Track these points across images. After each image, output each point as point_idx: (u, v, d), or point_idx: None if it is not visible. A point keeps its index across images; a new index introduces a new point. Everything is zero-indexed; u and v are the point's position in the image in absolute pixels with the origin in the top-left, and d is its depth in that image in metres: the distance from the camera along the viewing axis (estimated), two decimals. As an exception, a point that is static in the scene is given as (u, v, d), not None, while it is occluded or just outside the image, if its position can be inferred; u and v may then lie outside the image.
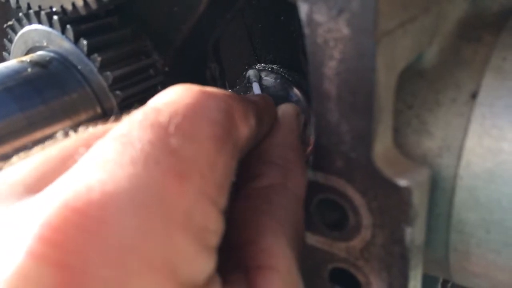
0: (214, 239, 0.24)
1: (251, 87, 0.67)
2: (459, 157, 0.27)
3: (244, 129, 0.28)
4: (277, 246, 0.28)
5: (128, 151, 0.23)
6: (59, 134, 0.26)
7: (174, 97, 0.26)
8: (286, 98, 0.67)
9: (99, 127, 0.27)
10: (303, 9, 0.24)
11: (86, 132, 0.27)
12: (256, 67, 0.70)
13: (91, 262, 0.20)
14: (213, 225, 0.24)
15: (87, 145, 0.24)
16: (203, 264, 0.23)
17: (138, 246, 0.21)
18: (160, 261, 0.21)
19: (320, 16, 0.24)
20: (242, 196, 0.31)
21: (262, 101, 0.34)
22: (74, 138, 0.26)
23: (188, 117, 0.25)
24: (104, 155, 0.23)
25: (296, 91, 0.68)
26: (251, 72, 0.67)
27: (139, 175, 0.22)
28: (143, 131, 0.24)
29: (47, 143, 0.26)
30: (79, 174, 0.22)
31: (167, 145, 0.23)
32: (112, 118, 0.26)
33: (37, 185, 0.23)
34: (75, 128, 0.26)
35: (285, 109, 0.37)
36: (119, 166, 0.22)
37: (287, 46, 0.67)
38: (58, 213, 0.20)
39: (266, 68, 0.69)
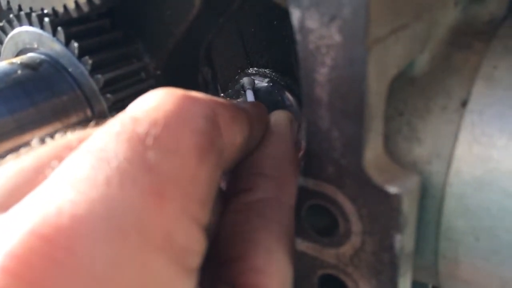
0: (195, 260, 0.23)
1: (243, 91, 0.67)
2: (449, 164, 0.27)
3: (230, 137, 0.27)
4: (272, 265, 0.27)
5: (103, 168, 0.21)
6: (35, 142, 0.25)
7: (154, 103, 0.25)
8: (279, 103, 0.67)
9: (75, 135, 0.25)
10: (295, 15, 0.24)
11: (62, 140, 0.25)
12: (249, 71, 0.70)
13: None
14: (195, 245, 0.23)
15: (60, 157, 0.23)
16: (184, 286, 0.22)
17: (110, 276, 0.19)
18: None
19: (312, 23, 0.24)
20: (232, 210, 0.30)
21: (253, 108, 0.32)
22: (49, 147, 0.25)
23: (168, 127, 0.23)
24: (77, 172, 0.21)
25: (288, 95, 0.68)
26: (245, 80, 0.67)
27: (115, 196, 0.20)
28: (120, 145, 0.22)
29: (22, 150, 0.24)
30: (49, 193, 0.20)
31: (144, 161, 0.22)
32: (92, 124, 0.25)
33: (8, 200, 0.22)
34: (53, 134, 0.25)
35: (277, 117, 0.35)
36: (93, 185, 0.20)
37: (280, 51, 0.67)
38: (23, 241, 0.19)
39: (259, 73, 0.69)
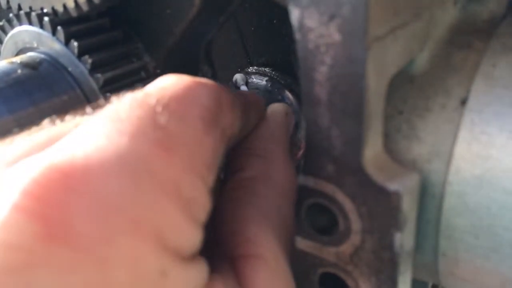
0: (201, 213, 0.24)
1: (238, 88, 0.67)
2: (448, 163, 0.27)
3: (231, 118, 0.29)
4: (262, 236, 0.28)
5: (116, 125, 0.23)
6: (46, 122, 0.26)
7: (164, 83, 0.27)
8: (279, 102, 0.67)
9: (86, 117, 0.27)
10: (295, 14, 0.24)
11: (73, 120, 0.27)
12: (249, 70, 0.70)
13: (74, 217, 0.20)
14: (201, 198, 0.24)
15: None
16: (190, 235, 0.23)
17: (124, 207, 0.21)
18: (147, 224, 0.21)
19: (311, 22, 0.24)
20: (227, 188, 0.32)
21: (251, 96, 0.35)
22: (61, 125, 0.26)
23: (177, 99, 0.25)
24: (90, 129, 0.23)
25: (288, 94, 0.68)
26: (238, 76, 0.67)
27: (126, 145, 0.22)
28: (131, 109, 0.24)
29: (33, 129, 0.26)
30: (65, 144, 0.22)
31: (154, 121, 0.24)
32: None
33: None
34: (62, 117, 0.26)
35: (274, 107, 0.38)
36: (105, 137, 0.22)
37: (280, 50, 0.67)
38: (44, 172, 0.20)
39: (259, 71, 0.69)
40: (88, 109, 0.27)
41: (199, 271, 0.24)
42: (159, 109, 0.24)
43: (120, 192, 0.21)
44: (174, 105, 0.25)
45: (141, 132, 0.23)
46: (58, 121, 0.27)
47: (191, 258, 0.24)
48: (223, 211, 0.31)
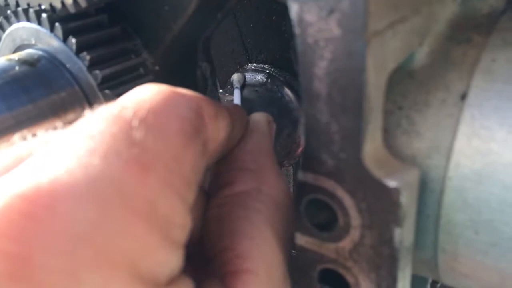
0: (180, 234, 0.23)
1: (232, 88, 0.67)
2: (448, 158, 0.27)
3: (214, 131, 0.28)
4: (254, 250, 0.28)
5: (87, 143, 0.22)
6: (16, 138, 0.25)
7: (142, 95, 0.25)
8: (278, 98, 0.67)
9: (60, 132, 0.26)
10: (294, 9, 0.24)
11: (44, 136, 0.26)
12: (248, 66, 0.70)
13: (38, 251, 0.19)
14: (178, 218, 0.23)
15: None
16: (167, 259, 0.22)
17: (90, 235, 0.20)
18: (117, 252, 0.20)
19: (310, 16, 0.24)
20: (215, 205, 0.31)
21: (234, 107, 0.34)
22: (30, 142, 0.25)
23: (154, 112, 0.24)
24: (60, 148, 0.22)
25: (287, 91, 0.68)
26: (234, 77, 0.66)
27: (97, 166, 0.21)
28: (105, 124, 0.23)
29: (2, 145, 0.25)
30: (31, 165, 0.21)
31: (130, 137, 0.23)
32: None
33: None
34: (36, 132, 0.25)
35: (256, 117, 0.37)
36: (75, 157, 0.21)
37: (279, 46, 0.67)
38: (6, 202, 0.19)
39: (258, 68, 0.69)
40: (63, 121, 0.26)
41: None
42: (135, 123, 0.23)
43: (87, 220, 0.20)
44: (152, 118, 0.24)
45: (114, 150, 0.22)
46: (29, 137, 0.26)
47: (170, 282, 0.23)
48: (211, 228, 0.30)
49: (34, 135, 0.26)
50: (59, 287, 0.19)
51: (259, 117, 0.37)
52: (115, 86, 0.48)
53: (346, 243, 0.28)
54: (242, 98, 0.65)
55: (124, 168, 0.21)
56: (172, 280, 0.23)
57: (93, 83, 0.47)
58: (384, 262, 0.28)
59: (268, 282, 0.27)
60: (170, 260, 0.23)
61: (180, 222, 0.23)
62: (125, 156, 0.22)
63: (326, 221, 0.29)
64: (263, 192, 0.30)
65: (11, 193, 0.20)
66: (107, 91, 0.47)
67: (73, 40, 0.46)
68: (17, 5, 0.50)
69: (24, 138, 0.25)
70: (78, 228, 0.20)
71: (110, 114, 0.23)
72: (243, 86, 0.67)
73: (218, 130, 0.28)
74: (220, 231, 0.29)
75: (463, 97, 0.27)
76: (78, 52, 0.47)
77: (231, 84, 0.67)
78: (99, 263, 0.20)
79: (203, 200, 0.32)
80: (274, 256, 0.28)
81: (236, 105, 0.36)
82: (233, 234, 0.28)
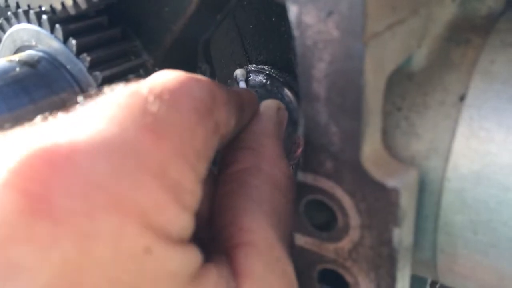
0: (190, 199, 0.25)
1: (237, 83, 0.67)
2: (446, 159, 0.27)
3: (226, 115, 0.29)
4: (255, 224, 0.29)
5: (105, 112, 0.24)
6: (38, 119, 0.26)
7: (157, 77, 0.27)
8: (277, 99, 0.67)
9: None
10: (293, 11, 0.24)
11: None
12: (247, 67, 0.70)
13: (56, 192, 0.20)
14: (189, 184, 0.24)
15: None
16: (176, 217, 0.24)
17: (107, 184, 0.21)
18: (129, 202, 0.22)
19: (309, 18, 0.24)
20: (220, 183, 0.32)
21: (245, 93, 0.35)
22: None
23: (169, 90, 0.26)
24: (78, 116, 0.24)
25: (287, 91, 0.68)
26: (238, 72, 0.67)
27: (113, 129, 0.23)
28: (122, 97, 0.24)
29: (26, 125, 0.26)
30: (54, 128, 0.23)
31: (144, 108, 0.24)
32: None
33: None
34: (54, 114, 0.26)
35: (266, 103, 0.38)
36: (93, 123, 0.23)
37: (278, 47, 0.67)
38: (31, 152, 0.21)
39: (257, 69, 0.69)
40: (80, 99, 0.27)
41: (188, 256, 0.25)
42: (151, 98, 0.25)
43: (103, 171, 0.21)
44: (167, 95, 0.25)
45: (131, 118, 0.23)
46: (50, 118, 0.27)
47: (180, 241, 0.24)
48: (217, 206, 0.31)
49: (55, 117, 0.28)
50: (76, 225, 0.20)
51: (269, 103, 0.38)
52: (115, 88, 0.48)
53: (345, 243, 0.29)
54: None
55: (139, 133, 0.23)
56: (184, 241, 0.24)
57: (94, 84, 0.47)
58: (383, 262, 0.28)
59: (268, 254, 0.28)
60: (180, 220, 0.24)
61: (190, 187, 0.25)
62: (140, 123, 0.23)
63: (325, 221, 0.30)
64: (262, 170, 0.32)
65: (34, 145, 0.21)
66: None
67: (74, 42, 0.47)
68: (18, 6, 0.50)
69: (46, 119, 0.26)
70: (94, 176, 0.21)
71: (127, 90, 0.25)
72: (247, 80, 0.67)
73: (229, 114, 0.30)
74: (223, 208, 0.30)
75: (462, 98, 0.27)
76: (78, 53, 0.47)
77: (235, 79, 0.68)
78: (112, 208, 0.21)
79: (211, 179, 0.33)
80: (274, 231, 0.29)
81: (248, 90, 0.38)
82: (235, 209, 0.30)
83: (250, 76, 0.68)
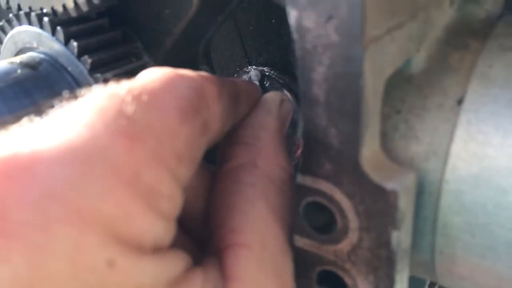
0: (167, 205, 0.23)
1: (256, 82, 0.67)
2: (445, 161, 0.28)
3: (217, 109, 0.28)
4: (247, 224, 0.28)
5: (77, 116, 0.23)
6: (24, 120, 0.26)
7: (143, 76, 0.26)
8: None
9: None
10: (293, 15, 0.25)
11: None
12: (247, 69, 0.70)
13: (11, 206, 0.19)
14: (165, 190, 0.23)
15: None
16: (150, 226, 0.22)
17: (64, 193, 0.20)
18: (90, 212, 0.20)
19: (309, 22, 0.24)
20: (216, 180, 0.31)
21: (244, 84, 0.34)
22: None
23: (150, 90, 0.25)
24: (49, 122, 0.23)
25: (287, 94, 0.68)
26: (252, 73, 0.67)
27: (83, 133, 0.22)
28: (98, 99, 0.24)
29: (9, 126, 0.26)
30: (16, 135, 0.22)
31: (120, 110, 0.23)
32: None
33: None
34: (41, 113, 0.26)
35: (268, 95, 0.36)
36: (62, 127, 0.22)
37: (278, 49, 0.67)
38: None
39: (257, 70, 0.69)
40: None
41: (166, 264, 0.23)
42: (128, 99, 0.24)
43: (64, 180, 0.20)
44: (146, 95, 0.24)
45: (103, 122, 0.22)
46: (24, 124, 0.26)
47: (155, 250, 0.23)
48: (212, 204, 0.30)
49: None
50: (32, 239, 0.19)
51: (271, 95, 0.36)
52: (116, 89, 0.48)
53: (344, 245, 0.29)
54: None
55: (110, 138, 0.22)
56: (160, 249, 0.23)
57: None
58: (382, 264, 0.28)
59: (262, 255, 0.27)
60: (155, 228, 0.23)
61: (168, 193, 0.23)
62: (113, 127, 0.22)
63: (324, 223, 0.30)
64: (258, 166, 0.30)
65: None
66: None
67: (75, 44, 0.47)
68: (19, 8, 0.50)
69: (32, 121, 0.26)
70: (53, 186, 0.20)
71: (104, 91, 0.24)
72: (261, 81, 0.67)
73: (222, 108, 0.28)
74: (217, 207, 0.29)
75: (460, 102, 0.28)
76: (79, 55, 0.47)
77: (249, 79, 0.68)
78: (70, 219, 0.20)
79: (208, 177, 0.32)
80: (269, 229, 0.28)
81: (248, 81, 0.35)
82: (227, 209, 0.29)
83: (266, 81, 0.68)
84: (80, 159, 0.21)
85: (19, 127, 0.24)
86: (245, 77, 0.68)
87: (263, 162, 0.31)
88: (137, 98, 0.24)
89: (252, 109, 0.34)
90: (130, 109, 0.23)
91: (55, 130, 0.22)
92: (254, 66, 0.70)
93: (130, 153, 0.22)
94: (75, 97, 0.25)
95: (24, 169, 0.20)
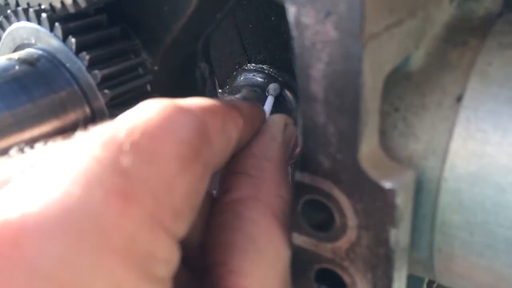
0: (163, 270, 0.22)
1: (240, 89, 0.67)
2: (444, 159, 0.28)
3: (221, 144, 0.27)
4: (248, 266, 0.27)
5: (70, 169, 0.21)
6: (13, 151, 0.24)
7: (140, 114, 0.24)
8: (276, 98, 0.67)
9: (55, 147, 0.24)
10: (291, 12, 0.24)
11: (42, 149, 0.24)
12: (246, 67, 0.70)
13: None
14: (162, 254, 0.22)
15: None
16: None
17: (55, 273, 0.19)
18: None
19: (308, 19, 0.24)
20: (215, 212, 0.30)
21: (248, 108, 0.32)
22: (15, 162, 0.23)
23: (150, 135, 0.23)
24: (39, 173, 0.21)
25: (286, 91, 0.68)
26: (271, 86, 0.66)
27: (76, 196, 0.20)
28: (94, 148, 0.22)
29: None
30: (5, 196, 0.20)
31: (116, 164, 0.21)
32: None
33: None
34: (32, 144, 0.24)
35: (272, 119, 0.35)
36: (54, 186, 0.20)
37: (277, 46, 0.67)
38: None
39: (257, 68, 0.69)
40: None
41: None
42: (126, 147, 0.22)
43: (54, 257, 0.19)
44: (146, 141, 0.22)
45: (98, 179, 0.20)
46: (26, 149, 0.24)
47: None
48: (209, 238, 0.29)
49: (32, 145, 0.24)
50: None
51: (275, 119, 0.34)
52: (114, 86, 0.48)
53: (342, 243, 0.29)
54: (273, 106, 0.65)
55: (105, 199, 0.20)
56: None
57: (92, 83, 0.47)
58: (380, 262, 0.28)
59: None
60: None
61: (164, 257, 0.22)
62: (108, 185, 0.20)
63: (323, 221, 0.30)
64: (260, 200, 0.29)
65: None
66: (106, 91, 0.47)
67: (73, 40, 0.47)
68: (17, 4, 0.50)
69: (22, 150, 0.24)
70: (43, 265, 0.19)
71: (102, 136, 0.22)
72: (278, 96, 0.66)
73: (225, 142, 0.27)
74: (216, 242, 0.28)
75: (459, 99, 0.28)
76: (77, 52, 0.47)
77: (267, 92, 0.67)
78: None
79: (208, 202, 0.31)
80: (270, 269, 0.28)
81: (252, 104, 0.33)
82: (227, 247, 0.27)
83: (283, 94, 0.66)
84: (72, 229, 0.19)
85: (9, 159, 0.22)
86: (257, 90, 0.67)
87: (266, 196, 0.29)
88: (135, 146, 0.22)
89: (256, 134, 0.33)
90: (127, 162, 0.21)
91: (47, 186, 0.20)
92: (253, 64, 0.70)
93: (125, 216, 0.20)
94: (72, 136, 0.23)
95: (13, 246, 0.18)
